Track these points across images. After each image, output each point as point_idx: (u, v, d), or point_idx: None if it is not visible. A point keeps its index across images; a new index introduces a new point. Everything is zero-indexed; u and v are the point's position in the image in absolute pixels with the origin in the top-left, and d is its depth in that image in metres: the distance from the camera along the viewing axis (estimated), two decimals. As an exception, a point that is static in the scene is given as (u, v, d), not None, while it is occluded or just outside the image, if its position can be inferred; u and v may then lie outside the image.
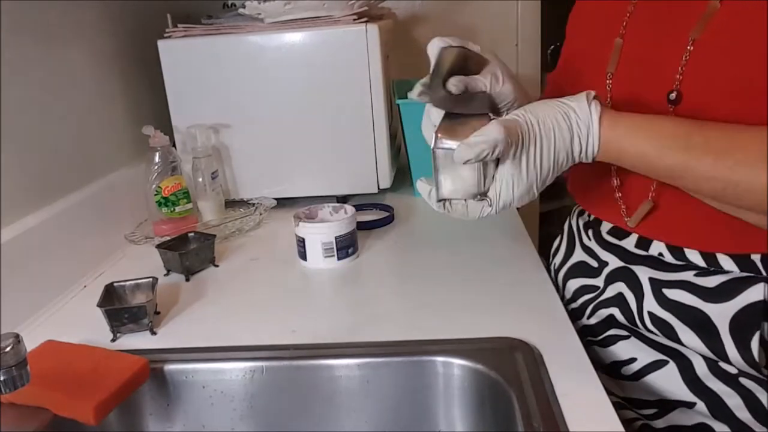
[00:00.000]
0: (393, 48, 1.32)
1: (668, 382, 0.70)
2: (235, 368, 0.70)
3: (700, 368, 0.68)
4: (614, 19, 0.72)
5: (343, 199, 1.21)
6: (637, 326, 0.72)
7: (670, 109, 0.63)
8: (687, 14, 0.63)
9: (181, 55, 1.13)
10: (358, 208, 1.11)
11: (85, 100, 1.04)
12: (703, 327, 0.66)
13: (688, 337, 0.67)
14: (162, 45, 1.13)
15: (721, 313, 0.65)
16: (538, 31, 1.59)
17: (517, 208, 1.00)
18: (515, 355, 0.66)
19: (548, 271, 0.89)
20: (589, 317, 0.79)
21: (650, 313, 0.70)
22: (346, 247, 0.93)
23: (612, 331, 0.76)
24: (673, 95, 0.63)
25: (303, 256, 0.94)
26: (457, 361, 0.67)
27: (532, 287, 0.82)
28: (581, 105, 0.61)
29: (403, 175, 1.31)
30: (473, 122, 0.60)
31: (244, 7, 1.12)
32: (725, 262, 0.66)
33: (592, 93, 0.62)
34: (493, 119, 0.60)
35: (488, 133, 0.57)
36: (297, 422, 0.71)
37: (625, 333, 0.75)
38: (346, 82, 1.12)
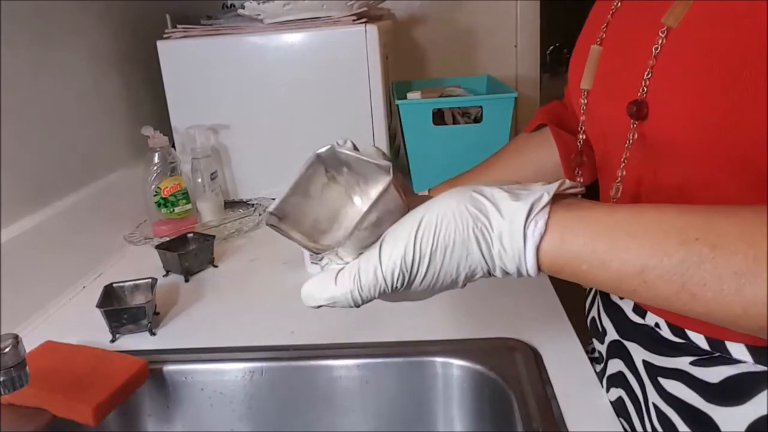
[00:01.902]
0: (392, 49, 1.32)
1: None
2: (235, 369, 0.70)
3: None
4: (598, 20, 0.57)
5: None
6: (643, 419, 0.57)
7: (633, 126, 0.48)
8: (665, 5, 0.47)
9: (180, 56, 1.13)
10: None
11: (85, 101, 1.04)
12: None
13: None
14: (161, 45, 1.13)
15: (731, 421, 0.48)
16: (537, 32, 1.59)
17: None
18: (515, 355, 0.66)
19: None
20: (607, 390, 0.64)
21: (655, 406, 0.55)
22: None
23: (622, 420, 0.60)
24: (633, 108, 0.47)
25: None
26: (457, 362, 0.67)
27: (532, 287, 0.82)
28: (514, 229, 0.42)
29: (402, 176, 1.30)
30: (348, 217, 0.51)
31: (243, 7, 1.12)
32: (735, 348, 0.49)
33: (542, 201, 0.42)
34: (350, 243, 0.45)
35: (325, 287, 0.45)
36: (296, 423, 0.71)
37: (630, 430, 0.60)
38: (346, 82, 1.12)
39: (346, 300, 0.45)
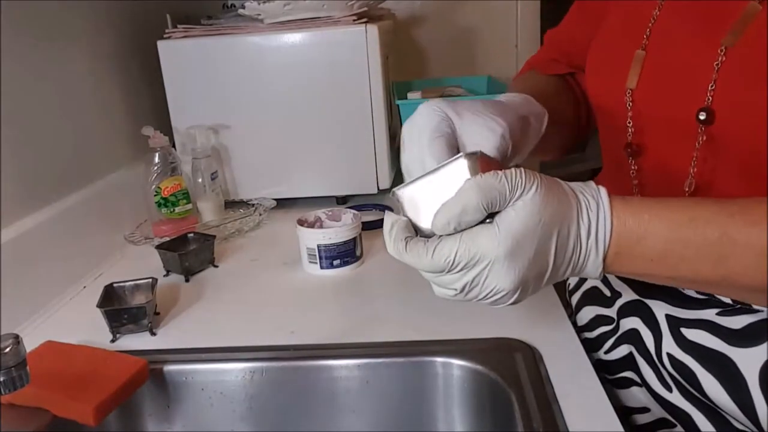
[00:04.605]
0: (392, 49, 1.32)
1: None
2: (235, 369, 0.70)
3: None
4: (636, 25, 0.64)
5: (342, 200, 1.21)
6: (656, 367, 0.65)
7: (701, 130, 0.56)
8: (720, 18, 0.56)
9: (180, 56, 1.13)
10: (358, 208, 1.11)
11: (85, 101, 1.04)
12: (729, 376, 0.58)
13: (712, 386, 0.59)
14: (162, 45, 1.13)
15: (748, 360, 0.57)
16: (537, 32, 1.59)
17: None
18: (515, 355, 0.66)
19: (566, 288, 0.84)
20: (607, 352, 0.72)
21: (669, 355, 0.63)
22: (344, 254, 0.93)
23: (628, 373, 0.70)
24: (702, 115, 0.55)
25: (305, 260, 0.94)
26: (457, 362, 0.67)
27: (532, 288, 0.82)
28: (588, 183, 0.51)
29: (402, 176, 1.30)
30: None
31: (243, 7, 1.12)
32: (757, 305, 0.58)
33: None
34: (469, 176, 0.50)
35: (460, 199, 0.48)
36: (296, 423, 0.71)
37: (638, 380, 0.69)
38: (346, 82, 1.12)
39: (472, 193, 0.48)
